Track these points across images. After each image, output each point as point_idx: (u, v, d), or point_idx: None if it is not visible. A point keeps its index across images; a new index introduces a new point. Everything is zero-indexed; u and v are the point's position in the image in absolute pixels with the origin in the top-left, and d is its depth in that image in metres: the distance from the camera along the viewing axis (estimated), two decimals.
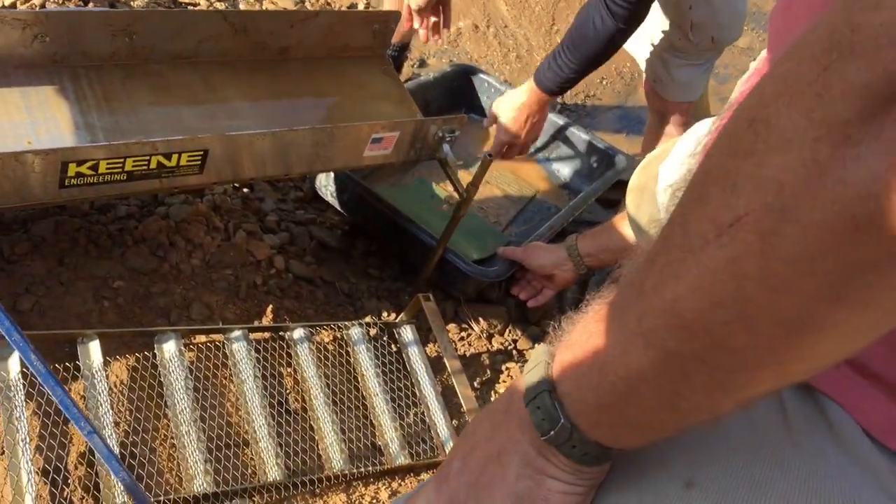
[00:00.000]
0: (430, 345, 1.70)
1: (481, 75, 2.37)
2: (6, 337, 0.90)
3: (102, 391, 1.22)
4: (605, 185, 2.11)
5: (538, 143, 2.36)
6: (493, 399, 1.69)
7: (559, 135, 2.32)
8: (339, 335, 1.57)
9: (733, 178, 0.39)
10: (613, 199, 2.34)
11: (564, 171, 2.33)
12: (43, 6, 2.02)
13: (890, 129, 0.34)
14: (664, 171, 1.32)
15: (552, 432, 0.51)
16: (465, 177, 2.03)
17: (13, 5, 2.02)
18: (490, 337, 1.85)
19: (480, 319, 1.86)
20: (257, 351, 1.43)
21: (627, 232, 1.67)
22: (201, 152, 1.30)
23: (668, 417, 0.48)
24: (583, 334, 0.50)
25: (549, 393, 0.52)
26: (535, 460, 0.54)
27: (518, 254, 1.84)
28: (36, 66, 1.44)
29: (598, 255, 1.81)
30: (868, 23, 0.34)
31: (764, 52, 0.83)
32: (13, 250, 1.43)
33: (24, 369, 1.18)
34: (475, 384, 1.70)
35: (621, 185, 2.22)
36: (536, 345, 1.89)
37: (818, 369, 0.44)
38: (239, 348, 1.41)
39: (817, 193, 0.35)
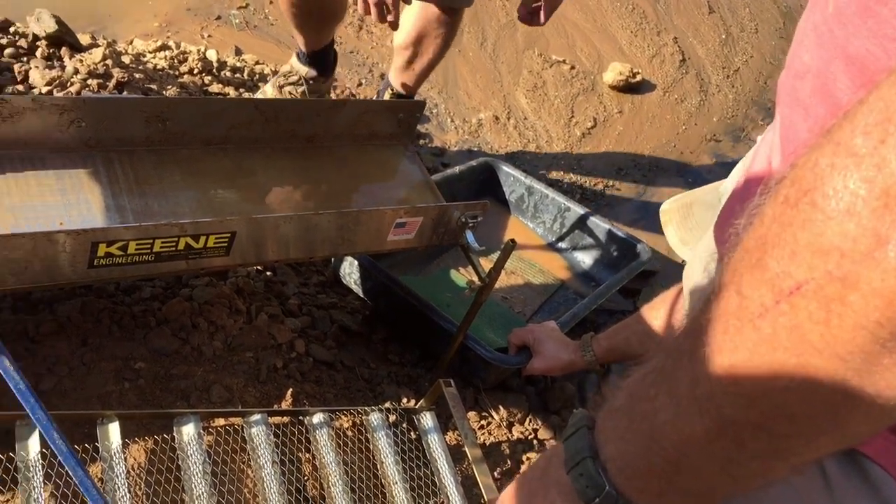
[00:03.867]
0: (450, 432, 1.67)
1: (505, 168, 2.41)
2: (31, 415, 0.90)
3: (120, 473, 1.21)
4: (630, 275, 2.12)
5: (559, 233, 2.38)
6: None
7: (580, 224, 2.34)
8: (358, 420, 1.55)
9: (791, 246, 0.39)
10: (634, 288, 2.34)
11: (586, 260, 2.34)
12: (79, 93, 2.09)
13: None
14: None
15: (597, 500, 0.50)
16: (487, 264, 2.04)
17: (49, 92, 2.09)
18: (510, 425, 1.82)
19: (500, 407, 1.83)
20: (276, 435, 1.41)
21: (650, 318, 1.65)
22: (228, 234, 1.32)
23: (720, 484, 0.47)
24: (628, 400, 0.50)
25: (592, 459, 0.51)
26: None
27: (528, 341, 1.80)
28: (71, 150, 1.48)
29: (613, 352, 1.75)
30: None
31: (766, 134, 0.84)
32: (38, 330, 1.43)
33: (44, 449, 1.17)
34: (496, 474, 1.66)
35: (644, 275, 2.23)
36: (558, 435, 1.85)
37: (879, 430, 0.43)
38: (258, 432, 1.39)
39: (880, 261, 0.35)
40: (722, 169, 3.32)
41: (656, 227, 2.85)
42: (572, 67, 3.57)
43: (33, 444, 1.18)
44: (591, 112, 3.38)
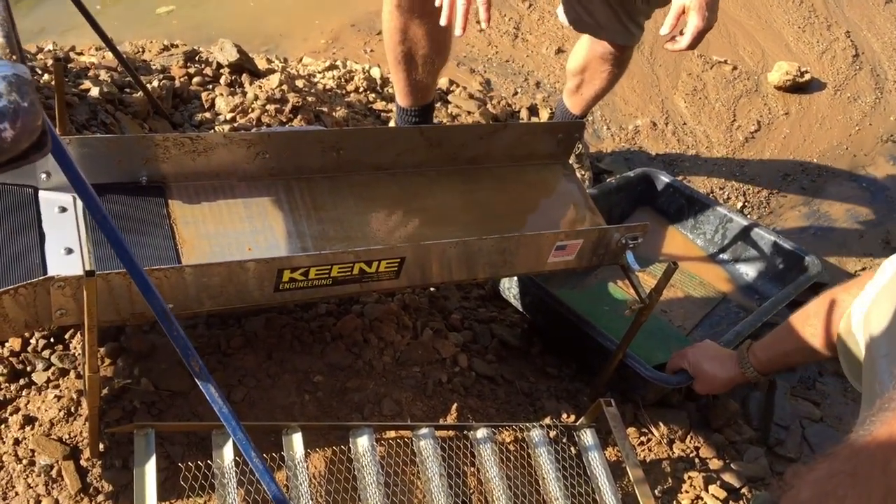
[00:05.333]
0: (610, 448, 1.69)
1: (663, 178, 2.39)
2: (232, 435, 1.00)
3: (304, 482, 1.32)
4: (798, 290, 2.05)
5: (721, 245, 2.34)
6: None
7: (743, 236, 2.29)
8: (520, 436, 1.60)
9: None
10: (802, 302, 2.25)
11: (750, 273, 2.28)
12: (259, 118, 2.26)
13: None
14: (856, 307, 1.30)
15: None
16: (648, 279, 2.04)
17: (233, 118, 2.27)
18: (671, 443, 1.81)
19: (661, 424, 1.83)
20: (442, 449, 1.48)
21: (807, 334, 1.60)
22: (398, 260, 1.40)
23: None
24: (816, 497, 0.51)
25: None
26: None
27: (686, 365, 1.78)
28: (255, 179, 1.61)
29: (772, 364, 1.72)
30: None
31: None
32: (229, 344, 1.58)
33: (237, 458, 1.29)
34: (656, 492, 1.67)
35: (814, 289, 2.14)
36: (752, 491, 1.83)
37: None
38: (426, 445, 1.47)
39: None
40: None
41: (826, 238, 2.74)
42: (734, 68, 3.46)
43: (228, 453, 1.31)
44: (755, 115, 3.26)
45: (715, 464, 1.79)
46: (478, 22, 1.67)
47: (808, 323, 1.60)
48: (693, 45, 1.74)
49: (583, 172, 2.54)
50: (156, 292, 0.96)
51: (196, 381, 1.01)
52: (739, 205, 2.84)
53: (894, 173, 3.11)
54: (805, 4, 3.90)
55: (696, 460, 1.80)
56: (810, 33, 3.75)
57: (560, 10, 2.25)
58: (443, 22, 1.67)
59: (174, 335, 0.97)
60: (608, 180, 2.36)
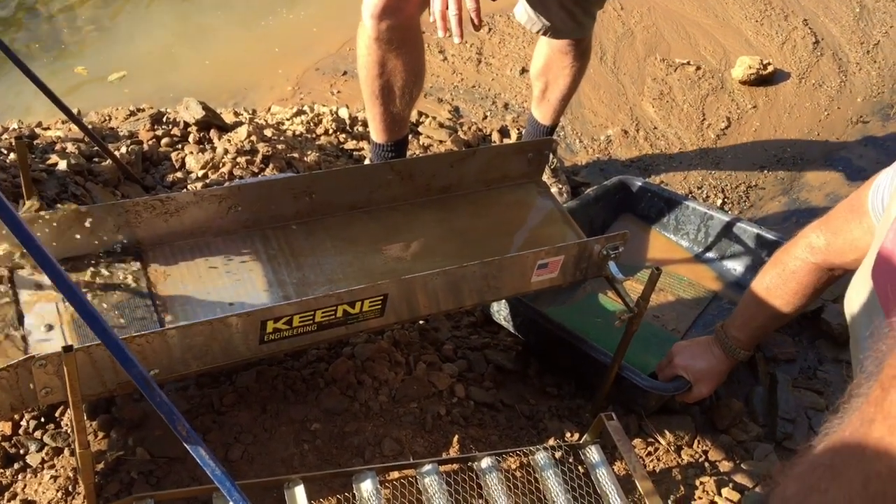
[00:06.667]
0: (618, 462, 1.67)
1: (640, 183, 2.39)
2: (228, 497, 0.98)
3: None
4: None
5: (705, 243, 2.34)
6: None
7: (726, 232, 2.28)
8: (525, 461, 1.58)
9: None
10: None
11: (737, 268, 2.27)
12: (230, 172, 2.25)
13: None
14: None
15: None
16: (636, 286, 2.03)
17: (205, 175, 2.26)
18: (678, 449, 1.79)
19: (666, 432, 1.81)
20: (448, 483, 1.46)
21: (776, 302, 1.70)
22: (381, 297, 1.39)
23: None
24: (800, 491, 0.50)
25: None
26: None
27: (680, 373, 1.79)
28: (231, 233, 1.61)
29: (754, 339, 1.79)
30: None
31: None
32: (222, 402, 1.56)
33: None
34: (669, 501, 1.65)
35: None
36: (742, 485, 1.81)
37: None
38: (431, 482, 1.45)
39: None
40: (874, 152, 3.14)
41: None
42: (698, 68, 3.49)
43: None
44: (724, 112, 3.29)
45: (725, 465, 1.78)
46: (474, 27, 1.77)
47: (771, 293, 1.71)
48: None
49: (560, 187, 2.54)
50: (134, 360, 0.95)
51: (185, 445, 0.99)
52: (719, 202, 2.84)
53: (868, 154, 3.13)
54: None
55: (706, 464, 1.78)
56: (768, 26, 3.79)
57: (516, 10, 2.26)
58: (440, 34, 1.74)
59: (157, 402, 0.95)
60: (586, 192, 2.36)
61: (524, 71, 3.41)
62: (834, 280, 1.67)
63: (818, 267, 1.64)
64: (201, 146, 2.40)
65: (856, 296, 1.27)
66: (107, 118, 2.75)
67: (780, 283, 1.70)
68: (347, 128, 2.87)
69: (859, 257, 1.44)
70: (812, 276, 1.65)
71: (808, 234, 1.68)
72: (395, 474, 1.48)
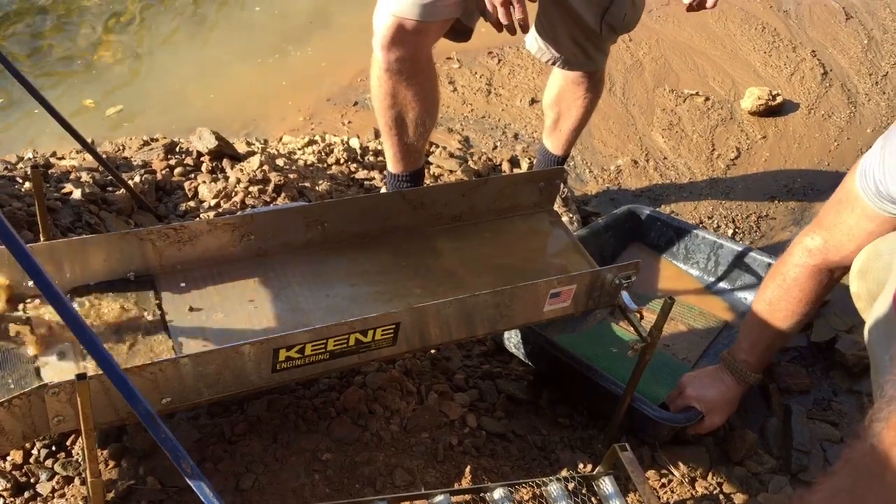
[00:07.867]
0: (632, 494, 1.65)
1: (649, 212, 2.39)
2: None
3: None
4: None
5: (715, 273, 2.33)
6: None
7: (737, 261, 2.28)
8: (538, 492, 1.56)
9: None
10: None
11: (748, 297, 2.26)
12: (243, 201, 2.27)
13: None
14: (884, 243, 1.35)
15: None
16: (648, 315, 2.02)
17: (217, 204, 2.28)
18: (692, 481, 1.77)
19: (680, 463, 1.80)
20: None
21: (779, 322, 1.71)
22: (394, 326, 1.39)
23: None
24: None
25: None
26: None
27: (692, 403, 1.79)
28: (244, 261, 1.61)
29: (764, 361, 1.80)
30: None
31: None
32: (233, 431, 1.55)
33: None
34: None
35: None
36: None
37: None
38: None
39: None
40: None
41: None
42: (707, 99, 3.50)
43: None
44: (733, 142, 3.29)
45: (740, 498, 1.76)
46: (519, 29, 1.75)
47: (774, 307, 1.71)
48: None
49: (570, 216, 2.54)
50: (139, 395, 0.95)
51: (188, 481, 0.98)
52: (730, 232, 2.84)
53: None
54: (767, 30, 3.97)
55: (721, 496, 1.76)
56: (776, 57, 3.81)
57: (527, 39, 2.25)
58: (507, 28, 1.74)
59: (161, 438, 0.94)
60: (596, 221, 2.36)
61: (534, 101, 3.44)
62: (834, 283, 1.68)
63: (818, 269, 1.65)
64: (214, 175, 2.42)
65: (876, 321, 1.27)
66: (120, 148, 2.78)
67: (783, 295, 1.69)
68: (358, 157, 2.88)
69: (860, 245, 1.46)
70: (813, 281, 1.66)
71: (801, 240, 1.68)
72: None
